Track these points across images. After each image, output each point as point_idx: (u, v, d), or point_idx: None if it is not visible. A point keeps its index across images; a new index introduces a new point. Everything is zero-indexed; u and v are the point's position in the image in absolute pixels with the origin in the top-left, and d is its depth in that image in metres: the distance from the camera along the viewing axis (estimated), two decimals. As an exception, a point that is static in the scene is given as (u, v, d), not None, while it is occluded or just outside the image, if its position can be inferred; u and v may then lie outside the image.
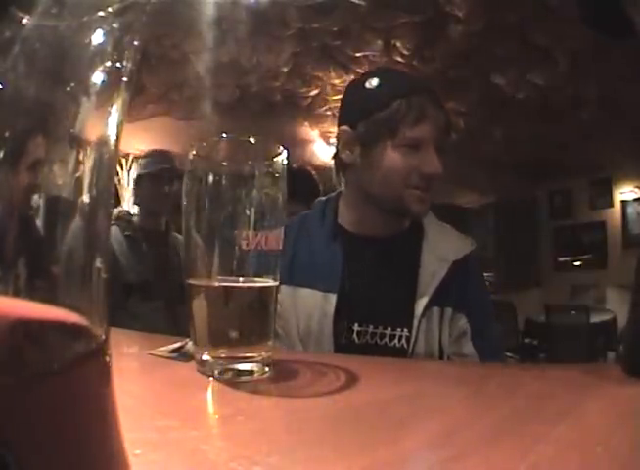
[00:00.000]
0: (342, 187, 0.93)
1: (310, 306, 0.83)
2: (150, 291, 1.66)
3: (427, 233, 0.87)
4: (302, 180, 1.70)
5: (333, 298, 0.82)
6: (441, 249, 0.85)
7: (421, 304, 0.81)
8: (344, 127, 0.87)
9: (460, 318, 0.83)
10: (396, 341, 0.82)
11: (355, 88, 0.91)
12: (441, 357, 0.82)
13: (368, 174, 0.85)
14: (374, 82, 0.85)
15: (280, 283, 0.53)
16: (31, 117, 0.15)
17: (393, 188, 0.82)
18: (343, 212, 0.91)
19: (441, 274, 0.82)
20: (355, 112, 0.87)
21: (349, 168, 0.88)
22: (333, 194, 0.95)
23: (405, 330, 0.82)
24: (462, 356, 0.82)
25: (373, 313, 0.83)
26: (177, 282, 1.81)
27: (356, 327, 0.83)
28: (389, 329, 0.82)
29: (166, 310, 1.66)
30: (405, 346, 0.81)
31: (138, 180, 1.76)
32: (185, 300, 0.51)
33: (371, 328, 0.83)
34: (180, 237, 1.81)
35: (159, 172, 1.73)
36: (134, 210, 1.81)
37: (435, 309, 0.82)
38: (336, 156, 0.91)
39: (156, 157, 1.83)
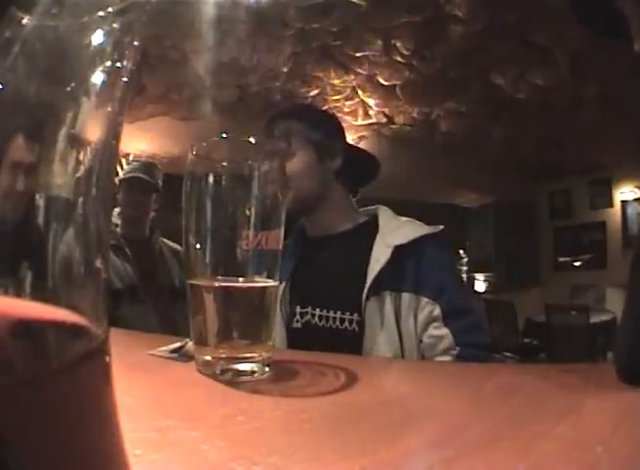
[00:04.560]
0: None
1: None
2: (138, 295, 1.68)
3: (381, 227, 0.91)
4: None
5: (283, 285, 0.91)
6: (389, 237, 0.89)
7: (365, 288, 0.85)
8: None
9: (427, 303, 0.84)
10: (347, 324, 0.86)
11: None
12: (402, 342, 0.84)
13: None
14: None
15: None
16: (31, 117, 0.15)
17: None
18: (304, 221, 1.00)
19: (383, 259, 0.85)
20: None
21: None
22: None
23: (355, 314, 0.86)
24: (435, 338, 0.83)
25: (322, 298, 0.90)
26: (165, 285, 1.80)
27: (309, 310, 0.89)
28: (339, 313, 0.87)
29: (156, 313, 1.68)
30: (357, 329, 0.85)
31: (118, 187, 1.79)
32: (183, 300, 0.51)
33: (317, 311, 0.89)
34: (166, 241, 1.84)
35: (133, 180, 1.77)
36: (117, 220, 1.83)
37: (387, 294, 0.85)
38: None
39: (135, 165, 1.87)
